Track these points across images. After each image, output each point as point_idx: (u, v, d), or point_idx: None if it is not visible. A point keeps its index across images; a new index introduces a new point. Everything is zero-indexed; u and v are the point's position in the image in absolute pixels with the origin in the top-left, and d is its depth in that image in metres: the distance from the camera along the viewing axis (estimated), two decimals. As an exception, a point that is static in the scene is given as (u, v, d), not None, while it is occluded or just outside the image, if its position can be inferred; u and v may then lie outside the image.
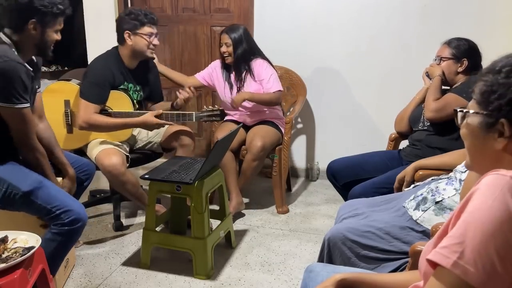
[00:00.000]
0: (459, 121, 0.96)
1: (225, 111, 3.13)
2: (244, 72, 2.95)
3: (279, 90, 2.93)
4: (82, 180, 2.29)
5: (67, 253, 1.99)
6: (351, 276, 1.11)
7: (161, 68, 3.05)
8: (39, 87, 2.11)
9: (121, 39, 2.60)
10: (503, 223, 0.74)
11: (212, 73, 3.10)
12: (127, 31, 2.54)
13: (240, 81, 2.97)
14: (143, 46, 2.55)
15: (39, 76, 2.11)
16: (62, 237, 1.70)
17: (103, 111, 2.57)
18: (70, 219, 1.85)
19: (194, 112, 2.56)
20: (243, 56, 2.92)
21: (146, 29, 2.54)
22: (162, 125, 2.55)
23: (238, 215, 2.94)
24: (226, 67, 3.03)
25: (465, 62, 2.25)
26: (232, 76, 3.00)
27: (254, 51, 2.98)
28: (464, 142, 0.95)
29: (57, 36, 2.00)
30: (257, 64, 2.95)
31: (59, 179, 2.11)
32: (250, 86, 2.95)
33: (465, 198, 0.81)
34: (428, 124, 2.30)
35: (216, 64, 3.10)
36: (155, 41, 2.58)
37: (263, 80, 2.92)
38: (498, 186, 0.77)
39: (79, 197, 2.36)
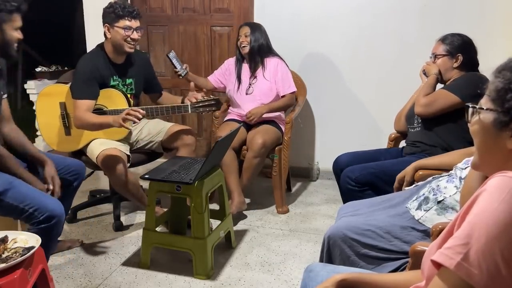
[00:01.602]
0: (468, 118, 0.94)
1: (231, 108, 3.15)
2: (259, 66, 3.02)
3: (294, 91, 3.06)
4: (70, 181, 2.27)
5: (50, 251, 2.00)
6: (351, 277, 1.10)
7: (191, 76, 3.01)
8: (4, 93, 2.08)
9: (104, 33, 2.59)
10: (508, 226, 0.74)
11: (225, 72, 3.14)
12: (106, 24, 2.53)
13: (253, 77, 3.03)
14: (119, 39, 2.52)
15: (4, 82, 2.08)
16: (41, 236, 1.66)
17: (99, 110, 2.56)
18: (44, 216, 1.85)
19: (189, 104, 2.56)
20: (259, 49, 2.99)
21: (123, 22, 2.49)
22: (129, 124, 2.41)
23: (239, 215, 2.94)
24: (241, 60, 3.08)
25: (460, 57, 2.25)
26: (245, 70, 3.04)
27: (271, 49, 3.07)
28: (473, 140, 0.94)
29: (18, 35, 1.98)
30: (275, 62, 3.03)
31: None
32: (263, 84, 3.00)
33: (471, 199, 0.81)
34: (421, 121, 2.31)
35: (230, 61, 3.16)
36: (134, 35, 2.52)
37: (280, 79, 2.99)
38: (506, 188, 0.76)
39: (71, 198, 2.37)
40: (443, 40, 2.30)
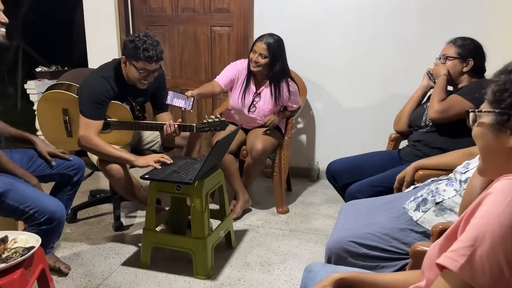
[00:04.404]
0: (470, 123, 0.95)
1: (230, 118, 3.07)
2: (280, 91, 2.89)
3: (300, 106, 3.08)
4: (70, 175, 2.30)
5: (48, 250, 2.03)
6: (350, 276, 1.10)
7: (195, 93, 2.71)
8: None
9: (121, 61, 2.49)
10: None
11: (233, 79, 2.95)
12: (124, 57, 2.42)
13: (256, 94, 2.94)
14: (134, 77, 2.43)
15: None
16: (40, 236, 1.66)
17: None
18: (45, 217, 1.86)
19: (195, 124, 2.53)
20: (278, 73, 2.86)
21: (141, 64, 2.37)
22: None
23: (243, 213, 2.96)
24: (250, 74, 2.93)
25: (471, 62, 2.22)
26: (251, 85, 2.95)
27: (286, 72, 2.92)
28: (476, 143, 0.95)
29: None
30: (285, 89, 2.90)
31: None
32: (265, 105, 2.93)
33: (476, 201, 0.81)
34: (431, 124, 2.29)
35: (241, 69, 2.95)
36: (150, 78, 2.44)
37: (287, 101, 2.96)
38: (511, 192, 0.77)
39: (74, 194, 2.38)
40: (454, 42, 2.27)
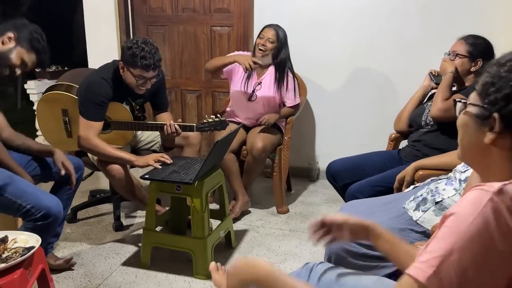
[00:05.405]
0: (457, 112, 0.96)
1: (230, 109, 3.11)
2: (283, 78, 2.94)
3: (299, 103, 3.08)
4: (69, 175, 2.30)
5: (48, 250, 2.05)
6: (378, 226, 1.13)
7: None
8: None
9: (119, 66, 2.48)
10: (482, 238, 0.74)
11: (234, 67, 2.98)
12: (121, 62, 2.41)
13: (258, 83, 2.95)
14: (131, 83, 2.42)
15: None
16: (36, 232, 1.68)
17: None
18: (41, 213, 1.86)
19: (195, 124, 2.53)
20: (284, 61, 2.93)
21: (138, 72, 2.35)
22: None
23: (241, 214, 2.96)
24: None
25: (480, 63, 2.18)
26: (253, 73, 2.97)
27: (289, 61, 2.99)
28: (458, 132, 0.96)
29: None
30: (290, 79, 2.96)
31: None
32: (266, 93, 2.95)
33: (448, 212, 0.81)
34: (432, 123, 2.28)
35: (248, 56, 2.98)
36: (147, 85, 2.43)
37: (286, 92, 2.97)
38: (481, 202, 0.76)
39: (73, 193, 2.38)
40: (466, 39, 2.22)
